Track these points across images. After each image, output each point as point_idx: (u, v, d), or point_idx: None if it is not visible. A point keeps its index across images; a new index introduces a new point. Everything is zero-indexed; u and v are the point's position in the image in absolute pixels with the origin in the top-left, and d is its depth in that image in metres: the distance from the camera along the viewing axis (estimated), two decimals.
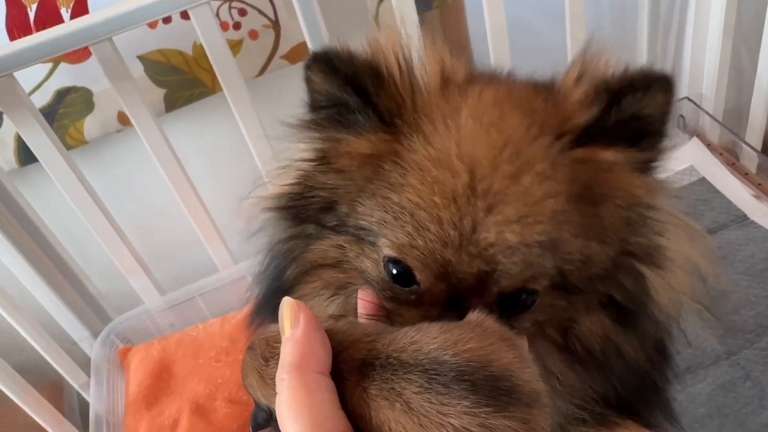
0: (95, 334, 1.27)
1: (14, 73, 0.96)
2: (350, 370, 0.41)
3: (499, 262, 0.49)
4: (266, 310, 0.65)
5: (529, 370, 0.40)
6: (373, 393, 0.39)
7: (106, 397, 1.16)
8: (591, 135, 0.53)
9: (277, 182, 0.62)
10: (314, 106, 0.58)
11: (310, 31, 1.08)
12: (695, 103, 1.46)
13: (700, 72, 1.44)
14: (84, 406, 1.20)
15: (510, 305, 0.52)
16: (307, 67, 0.56)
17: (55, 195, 1.14)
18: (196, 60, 1.22)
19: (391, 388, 0.39)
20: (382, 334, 0.43)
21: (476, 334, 0.40)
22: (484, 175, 0.49)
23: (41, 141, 1.04)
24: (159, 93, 1.23)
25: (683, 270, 0.59)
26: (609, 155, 0.53)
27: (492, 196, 0.49)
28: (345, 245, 0.57)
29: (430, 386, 0.38)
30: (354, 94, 0.55)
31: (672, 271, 0.58)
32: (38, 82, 1.15)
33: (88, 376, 1.20)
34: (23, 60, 0.94)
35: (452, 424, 0.37)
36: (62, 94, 1.18)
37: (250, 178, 0.67)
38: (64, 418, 1.07)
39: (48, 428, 1.04)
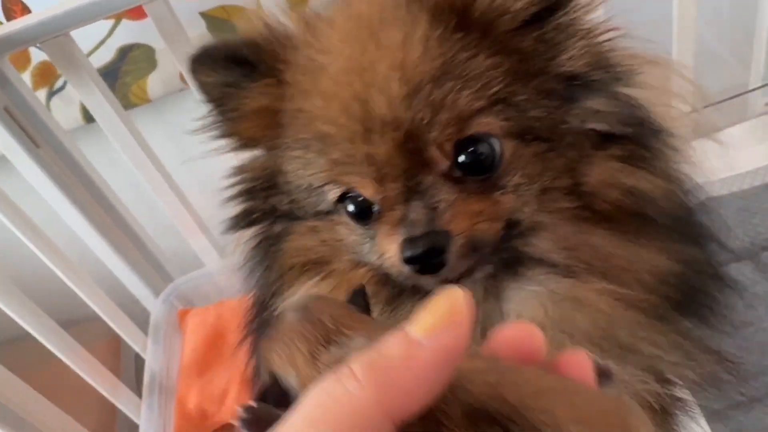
0: (156, 293, 1.27)
1: (71, 33, 0.94)
2: (453, 413, 0.29)
3: (406, 117, 0.49)
4: (260, 327, 0.66)
5: None
6: None
7: (162, 357, 1.17)
8: None
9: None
10: (214, 100, 0.62)
11: None
12: None
13: None
14: (139, 367, 1.22)
15: (473, 166, 0.50)
16: (194, 71, 0.61)
17: (119, 153, 1.12)
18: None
19: None
20: (508, 383, 0.31)
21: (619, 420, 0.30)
22: (356, 53, 0.51)
23: (99, 102, 1.02)
24: None
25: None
26: None
27: (368, 72, 0.50)
28: (316, 224, 0.59)
29: None
30: (237, 66, 0.59)
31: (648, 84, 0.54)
32: (101, 39, 1.13)
33: (146, 335, 1.21)
34: (76, 20, 0.91)
35: None
36: (125, 51, 1.15)
37: None
38: (118, 379, 1.08)
39: (100, 389, 1.05)
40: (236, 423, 0.36)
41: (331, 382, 0.29)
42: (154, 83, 1.20)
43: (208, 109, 0.63)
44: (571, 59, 0.52)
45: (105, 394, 1.06)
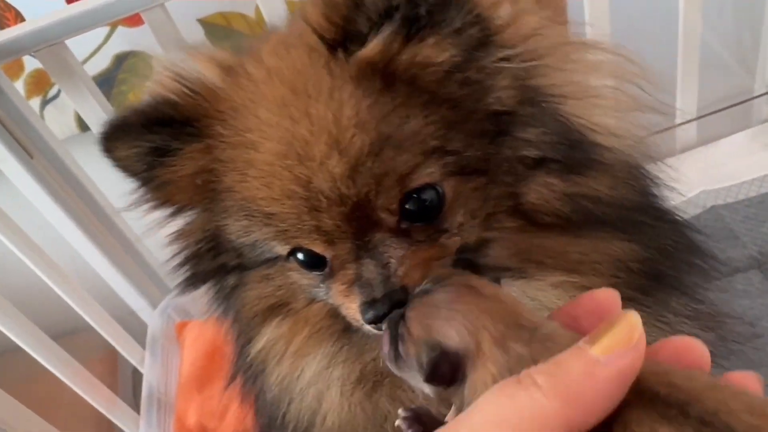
0: (154, 305, 1.25)
1: (66, 41, 0.92)
2: (631, 398, 0.31)
3: (351, 194, 0.49)
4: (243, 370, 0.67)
5: None
6: None
7: (160, 371, 1.14)
8: (357, 36, 0.51)
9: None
10: (138, 173, 0.58)
11: None
12: None
13: None
14: (137, 381, 1.19)
15: (419, 214, 0.51)
16: (107, 150, 0.57)
17: None
18: (260, 23, 1.15)
19: None
20: (681, 377, 0.33)
21: None
22: (289, 134, 0.50)
23: (94, 110, 0.99)
24: None
25: (586, 93, 0.55)
26: (372, 47, 0.50)
27: (305, 152, 0.50)
28: (268, 272, 0.58)
29: None
30: (156, 132, 0.55)
31: (575, 99, 0.54)
32: (96, 46, 1.11)
33: (143, 348, 1.19)
34: (71, 28, 0.89)
35: None
36: (121, 59, 1.13)
37: None
38: (115, 395, 1.05)
39: (96, 404, 1.02)
40: (400, 424, 0.41)
41: (513, 387, 0.31)
42: None
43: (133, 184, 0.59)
44: (498, 98, 0.52)
45: (101, 409, 1.04)
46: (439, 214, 0.52)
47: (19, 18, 1.05)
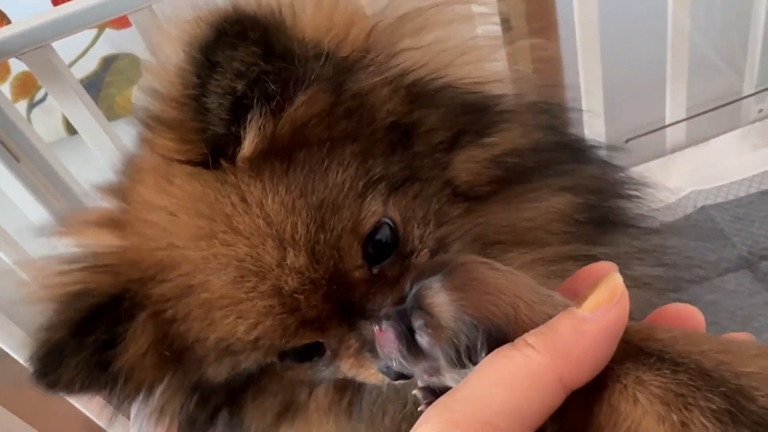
0: None
1: (52, 44, 0.91)
2: (620, 356, 0.34)
3: (323, 275, 0.48)
4: None
5: None
6: (655, 390, 0.31)
7: None
8: (225, 146, 0.48)
9: None
10: (92, 385, 0.53)
11: None
12: None
13: None
14: None
15: (384, 251, 0.50)
16: (53, 384, 0.52)
17: (103, 166, 1.09)
18: None
19: (681, 395, 0.31)
20: (659, 328, 0.36)
21: None
22: (231, 258, 0.48)
23: (81, 113, 0.98)
24: None
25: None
26: (250, 140, 0.48)
27: (253, 262, 0.47)
28: (261, 384, 0.57)
29: (721, 417, 0.30)
30: (91, 331, 0.51)
31: (448, 66, 0.54)
32: (83, 49, 1.10)
33: None
34: (58, 31, 0.87)
35: None
36: (109, 61, 1.12)
37: None
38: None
39: (86, 411, 1.01)
40: (417, 393, 0.42)
41: (508, 349, 0.34)
42: (139, 94, 1.17)
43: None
44: (388, 109, 0.52)
45: (91, 416, 1.03)
46: (398, 241, 0.51)
47: (4, 20, 1.04)
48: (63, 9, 0.87)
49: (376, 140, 0.51)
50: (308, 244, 0.47)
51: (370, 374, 0.51)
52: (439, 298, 0.39)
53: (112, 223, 0.53)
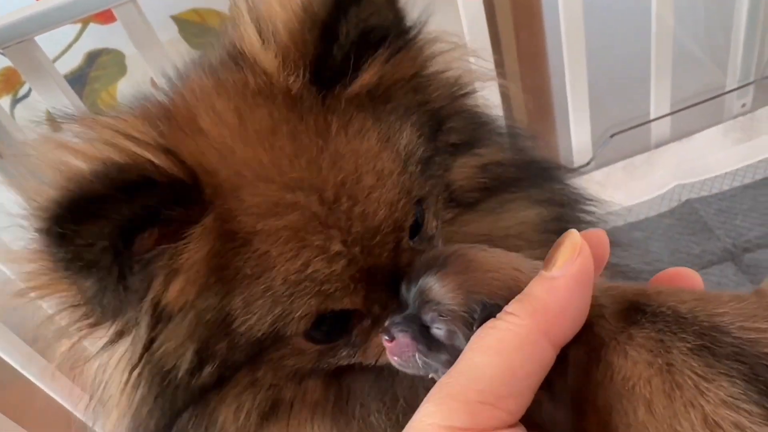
0: None
1: (36, 38, 0.90)
2: (613, 314, 0.37)
3: (400, 215, 0.47)
4: None
5: None
6: (640, 341, 0.35)
7: None
8: (333, 77, 0.48)
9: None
10: (98, 266, 0.41)
11: None
12: None
13: None
14: None
15: (416, 228, 0.50)
16: (60, 235, 0.39)
17: None
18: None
19: (660, 340, 0.34)
20: (651, 287, 0.39)
21: None
22: (321, 183, 0.45)
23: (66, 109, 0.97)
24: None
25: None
26: (367, 78, 0.49)
27: (351, 186, 0.46)
28: (256, 374, 0.51)
29: (701, 351, 0.33)
30: (149, 195, 0.40)
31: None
32: (67, 44, 1.09)
33: None
34: (41, 24, 0.87)
35: (703, 408, 0.31)
36: (93, 56, 1.11)
37: None
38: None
39: (74, 411, 1.00)
40: (434, 377, 0.41)
41: (493, 321, 0.36)
42: (124, 89, 1.16)
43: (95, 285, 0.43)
44: (438, 95, 0.55)
45: (78, 415, 1.02)
46: (423, 222, 0.51)
47: None
48: (46, 2, 0.86)
49: (425, 122, 0.53)
50: (397, 185, 0.48)
51: None
52: (445, 287, 0.40)
53: (175, 124, 0.47)
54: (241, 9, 0.49)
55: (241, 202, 0.45)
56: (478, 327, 0.37)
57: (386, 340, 0.42)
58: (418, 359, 0.41)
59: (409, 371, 0.42)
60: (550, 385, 0.36)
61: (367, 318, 0.50)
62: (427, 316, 0.40)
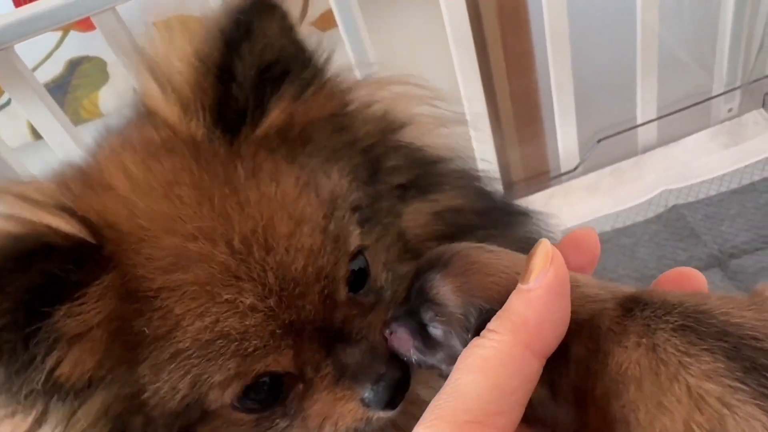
0: None
1: (14, 46, 0.89)
2: (612, 307, 0.37)
3: (325, 262, 0.45)
4: None
5: None
6: (631, 328, 0.36)
7: None
8: (238, 119, 0.47)
9: None
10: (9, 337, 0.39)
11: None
12: None
13: None
14: None
15: (358, 281, 0.48)
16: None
17: None
18: None
19: (646, 325, 0.35)
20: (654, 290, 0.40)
21: (758, 305, 0.35)
22: (230, 234, 0.43)
23: (46, 118, 0.96)
24: None
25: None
26: (274, 117, 0.47)
27: (260, 237, 0.43)
28: None
29: (683, 331, 0.34)
30: (49, 260, 0.38)
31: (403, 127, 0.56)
32: (48, 52, 1.08)
33: None
34: (19, 33, 0.86)
35: (687, 383, 0.32)
36: (74, 65, 1.10)
37: None
38: None
39: None
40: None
41: (477, 340, 0.36)
42: (106, 97, 1.14)
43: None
44: (366, 132, 0.52)
45: None
46: (368, 273, 0.49)
47: None
48: (24, 10, 0.85)
49: (358, 164, 0.51)
50: (321, 228, 0.45)
51: (349, 410, 0.46)
52: (445, 288, 0.40)
53: (85, 183, 0.46)
54: (140, 65, 0.48)
55: (143, 258, 0.42)
56: (473, 332, 0.37)
57: (387, 332, 0.42)
58: (413, 355, 0.41)
59: (409, 359, 0.42)
60: (553, 385, 0.37)
61: (299, 382, 0.46)
62: (426, 315, 0.41)
